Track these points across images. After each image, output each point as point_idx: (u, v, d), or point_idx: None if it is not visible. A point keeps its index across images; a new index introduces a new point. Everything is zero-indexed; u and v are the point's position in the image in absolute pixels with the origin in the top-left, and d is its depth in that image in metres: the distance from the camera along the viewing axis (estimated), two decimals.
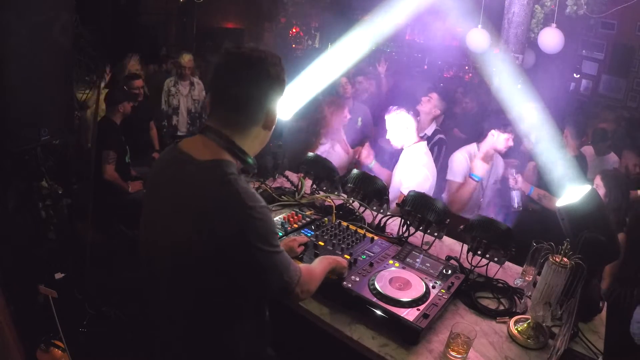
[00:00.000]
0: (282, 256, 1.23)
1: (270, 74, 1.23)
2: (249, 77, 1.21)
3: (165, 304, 1.29)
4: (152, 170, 1.37)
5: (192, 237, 1.15)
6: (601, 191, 2.87)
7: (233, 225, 1.12)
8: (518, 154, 3.65)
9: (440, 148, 3.75)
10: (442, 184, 3.36)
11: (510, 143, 3.08)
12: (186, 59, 4.94)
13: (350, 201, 2.39)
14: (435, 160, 3.71)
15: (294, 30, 9.76)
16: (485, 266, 2.00)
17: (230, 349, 1.30)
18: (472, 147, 3.23)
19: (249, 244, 1.13)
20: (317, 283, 1.46)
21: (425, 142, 3.03)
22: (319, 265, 1.56)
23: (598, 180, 2.96)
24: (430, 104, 3.80)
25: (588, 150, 4.05)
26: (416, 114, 2.99)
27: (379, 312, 1.61)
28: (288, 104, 2.38)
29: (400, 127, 2.93)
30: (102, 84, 4.04)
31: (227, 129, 1.23)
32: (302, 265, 1.39)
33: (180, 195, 1.19)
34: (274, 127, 1.34)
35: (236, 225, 1.12)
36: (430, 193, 2.84)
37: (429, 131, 3.83)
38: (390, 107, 2.98)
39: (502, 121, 3.15)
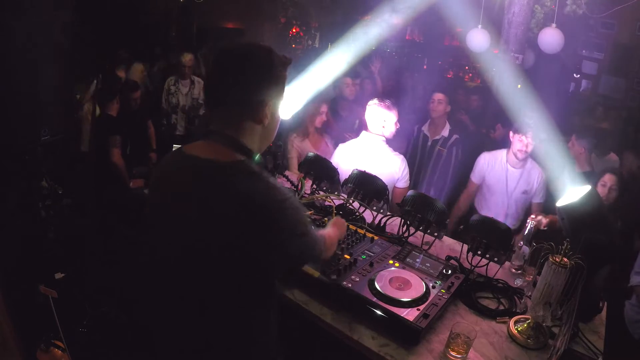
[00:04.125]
0: (313, 234, 1.33)
1: (252, 66, 1.21)
2: (230, 71, 1.21)
3: (176, 303, 1.28)
4: (158, 176, 1.34)
5: (223, 237, 1.15)
6: (605, 190, 2.83)
7: (270, 220, 1.15)
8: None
9: (458, 148, 3.77)
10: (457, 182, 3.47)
11: (524, 147, 3.02)
12: (187, 58, 4.97)
13: (350, 201, 2.39)
14: (454, 161, 3.72)
15: (294, 30, 9.75)
16: (485, 266, 2.00)
17: (241, 346, 1.31)
18: (501, 152, 3.22)
19: (289, 230, 1.19)
20: (334, 248, 1.64)
21: (375, 136, 2.88)
22: (334, 232, 1.65)
23: (607, 177, 2.90)
24: (442, 105, 3.82)
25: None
26: (387, 106, 2.85)
27: (379, 312, 1.61)
28: (288, 104, 2.37)
29: (378, 118, 2.87)
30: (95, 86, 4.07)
31: (226, 127, 1.24)
32: (323, 232, 1.52)
33: (205, 197, 1.18)
34: (273, 122, 1.31)
35: (272, 220, 1.15)
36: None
37: (445, 132, 3.84)
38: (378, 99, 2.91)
39: (502, 114, 3.15)
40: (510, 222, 3.06)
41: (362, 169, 2.46)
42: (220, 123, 1.25)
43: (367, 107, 2.91)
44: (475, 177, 3.35)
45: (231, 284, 1.21)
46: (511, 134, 3.12)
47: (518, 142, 3.06)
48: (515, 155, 3.10)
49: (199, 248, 1.19)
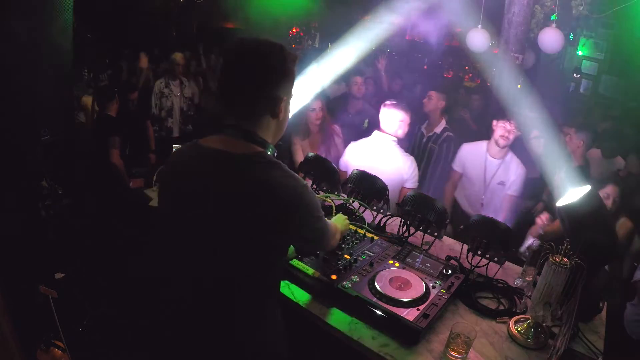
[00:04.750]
0: (325, 219, 1.42)
1: (267, 63, 1.25)
2: (247, 68, 1.24)
3: (193, 286, 1.30)
4: (176, 168, 1.36)
5: (247, 223, 1.20)
6: (608, 202, 2.75)
7: (292, 206, 1.22)
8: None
9: (449, 145, 3.81)
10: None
11: (506, 133, 3.05)
12: (178, 57, 4.94)
13: (350, 201, 2.39)
14: (444, 157, 3.76)
15: (294, 30, 9.76)
16: (485, 266, 2.00)
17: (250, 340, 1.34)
18: (483, 143, 3.25)
19: (309, 215, 1.28)
20: (338, 239, 1.72)
21: (389, 137, 2.93)
22: (338, 224, 1.76)
23: (611, 189, 2.81)
24: (432, 102, 3.88)
25: (594, 152, 3.99)
26: (403, 109, 2.93)
27: (379, 312, 1.61)
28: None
29: (394, 119, 2.93)
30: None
31: (242, 122, 1.28)
32: (329, 221, 1.57)
33: (230, 187, 1.22)
34: (285, 116, 1.36)
35: (295, 205, 1.22)
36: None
37: (439, 129, 3.89)
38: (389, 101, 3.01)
39: (502, 113, 3.18)
40: (488, 214, 3.09)
41: (372, 167, 2.48)
42: (237, 118, 1.29)
43: (383, 107, 2.95)
44: (456, 165, 3.43)
45: (246, 266, 1.25)
46: (494, 122, 3.15)
47: (500, 128, 3.08)
48: (496, 142, 3.12)
49: (223, 234, 1.23)
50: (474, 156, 3.29)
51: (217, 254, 1.25)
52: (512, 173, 3.16)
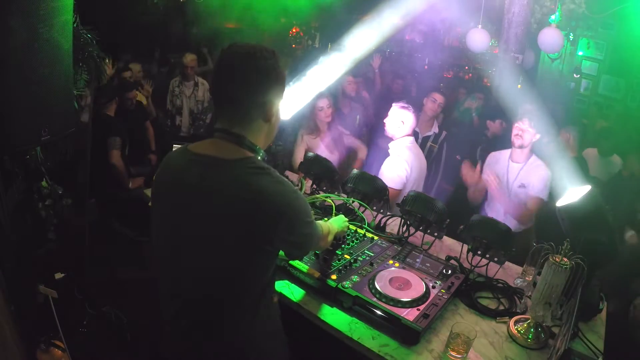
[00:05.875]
0: (315, 222, 1.42)
1: (260, 68, 1.25)
2: (239, 73, 1.25)
3: (190, 293, 1.30)
4: (166, 175, 1.36)
5: (237, 229, 1.20)
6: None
7: (282, 211, 1.22)
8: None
9: (449, 144, 3.90)
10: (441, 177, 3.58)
11: (520, 132, 2.98)
12: (189, 58, 4.93)
13: (350, 201, 2.39)
14: (445, 156, 3.86)
15: (294, 30, 9.74)
16: (485, 266, 2.00)
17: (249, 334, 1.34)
18: (507, 151, 3.20)
19: (298, 221, 1.28)
20: (329, 239, 1.71)
21: (413, 138, 3.02)
22: (330, 225, 1.75)
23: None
24: (436, 105, 3.93)
25: (591, 152, 4.01)
26: (417, 113, 3.03)
27: (379, 312, 1.61)
28: (288, 104, 2.38)
29: (397, 120, 2.98)
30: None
31: (234, 126, 1.28)
32: (320, 222, 1.58)
33: (219, 193, 1.22)
34: (277, 120, 1.37)
35: (284, 211, 1.22)
36: (409, 186, 2.92)
37: (435, 129, 3.96)
38: (398, 102, 3.06)
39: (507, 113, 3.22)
40: (511, 222, 3.05)
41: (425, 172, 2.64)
42: (228, 121, 1.29)
43: (406, 110, 2.98)
44: (485, 174, 3.20)
45: (236, 269, 1.25)
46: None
47: (514, 129, 3.03)
48: (513, 143, 3.07)
49: (212, 239, 1.23)
50: (498, 165, 3.20)
51: (207, 258, 1.25)
52: (535, 175, 3.05)
